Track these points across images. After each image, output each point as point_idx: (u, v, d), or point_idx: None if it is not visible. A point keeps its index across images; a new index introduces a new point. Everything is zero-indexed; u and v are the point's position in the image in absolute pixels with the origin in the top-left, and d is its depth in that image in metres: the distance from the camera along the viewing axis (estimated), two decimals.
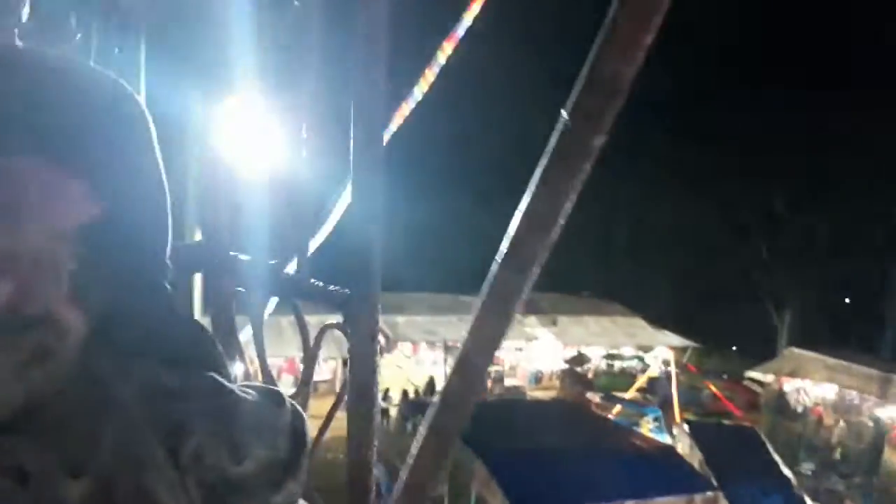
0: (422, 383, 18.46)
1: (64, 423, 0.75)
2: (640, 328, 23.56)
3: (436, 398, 1.23)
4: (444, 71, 3.06)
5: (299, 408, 0.96)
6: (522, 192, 1.03)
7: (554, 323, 22.25)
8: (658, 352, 22.01)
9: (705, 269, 30.52)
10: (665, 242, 31.98)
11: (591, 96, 0.94)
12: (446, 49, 3.06)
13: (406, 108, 2.95)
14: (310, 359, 1.33)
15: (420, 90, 3.02)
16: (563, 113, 0.96)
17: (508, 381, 20.80)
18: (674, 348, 21.36)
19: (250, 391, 0.91)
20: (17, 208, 0.71)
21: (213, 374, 0.90)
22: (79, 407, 0.77)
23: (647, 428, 15.18)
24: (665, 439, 13.87)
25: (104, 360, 0.82)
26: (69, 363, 0.77)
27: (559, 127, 0.96)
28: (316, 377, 1.35)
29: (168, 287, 0.95)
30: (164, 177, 0.86)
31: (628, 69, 0.92)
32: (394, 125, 2.79)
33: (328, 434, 1.38)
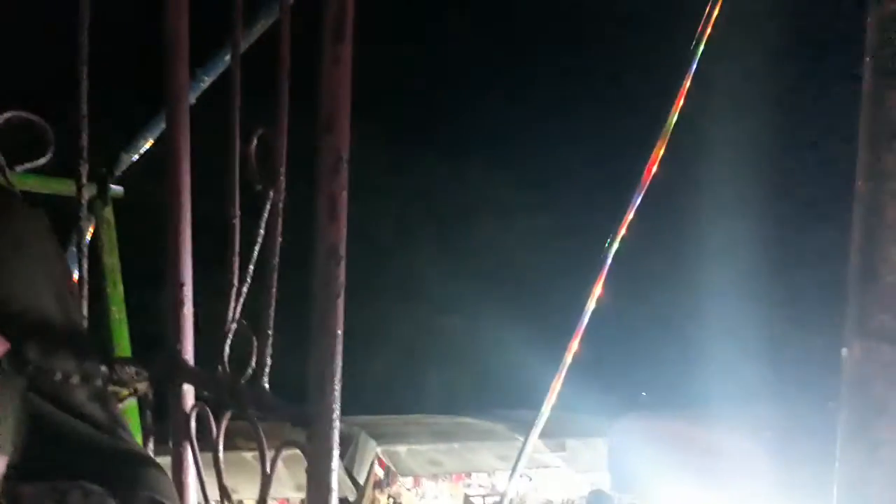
0: None
1: None
2: None
3: None
4: None
5: None
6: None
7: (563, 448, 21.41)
8: None
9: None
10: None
11: None
12: None
13: None
14: (266, 480, 1.25)
15: None
16: None
17: None
18: None
19: None
20: None
21: (149, 492, 0.90)
22: None
23: None
24: None
25: (32, 487, 0.83)
26: None
27: None
28: None
29: (96, 405, 0.97)
30: (62, 291, 0.88)
31: None
32: None
33: None
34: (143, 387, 1.34)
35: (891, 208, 0.84)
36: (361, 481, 11.58)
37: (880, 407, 0.84)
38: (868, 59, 0.87)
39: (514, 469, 3.66)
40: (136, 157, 2.26)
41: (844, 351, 0.88)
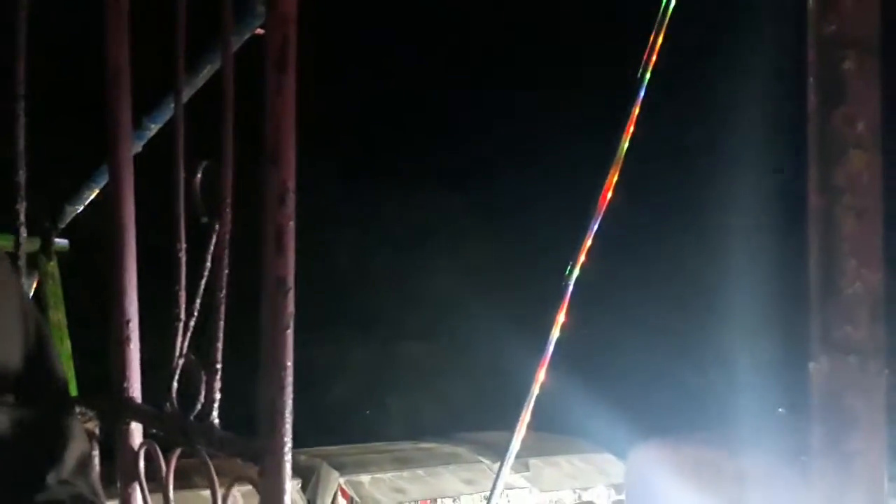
0: None
1: None
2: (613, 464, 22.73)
3: None
4: None
5: None
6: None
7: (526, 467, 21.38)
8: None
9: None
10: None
11: None
12: None
13: None
14: None
15: None
16: None
17: None
18: None
19: None
20: None
21: None
22: None
23: None
24: None
25: None
26: None
27: None
28: None
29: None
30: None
31: None
32: None
33: None
34: (89, 426, 1.31)
35: (846, 222, 0.86)
36: None
37: (851, 419, 0.85)
38: (811, 79, 0.89)
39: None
40: (80, 208, 2.22)
41: (812, 365, 0.89)
